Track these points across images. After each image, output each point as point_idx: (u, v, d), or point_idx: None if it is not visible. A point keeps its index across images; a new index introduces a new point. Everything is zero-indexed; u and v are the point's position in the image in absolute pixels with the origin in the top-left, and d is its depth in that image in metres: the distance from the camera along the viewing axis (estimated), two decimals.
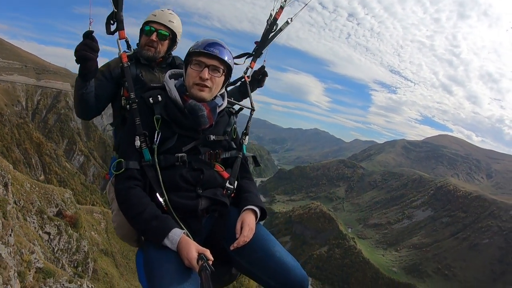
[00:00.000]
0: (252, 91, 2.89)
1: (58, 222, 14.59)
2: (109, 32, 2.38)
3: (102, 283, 19.82)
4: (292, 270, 1.94)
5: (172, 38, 2.74)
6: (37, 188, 16.59)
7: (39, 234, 13.16)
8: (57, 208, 17.64)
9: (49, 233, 13.71)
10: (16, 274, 7.91)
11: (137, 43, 2.76)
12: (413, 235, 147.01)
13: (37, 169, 66.62)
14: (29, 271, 9.62)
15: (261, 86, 3.05)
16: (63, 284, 10.74)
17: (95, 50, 2.15)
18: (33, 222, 13.03)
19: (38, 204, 14.36)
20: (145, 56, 2.67)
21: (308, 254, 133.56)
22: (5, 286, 7.02)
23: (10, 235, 8.40)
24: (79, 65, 2.19)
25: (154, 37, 2.62)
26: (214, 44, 2.10)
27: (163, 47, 2.70)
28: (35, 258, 10.41)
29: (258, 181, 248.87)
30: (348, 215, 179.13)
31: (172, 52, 2.89)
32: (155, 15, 2.64)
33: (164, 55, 2.78)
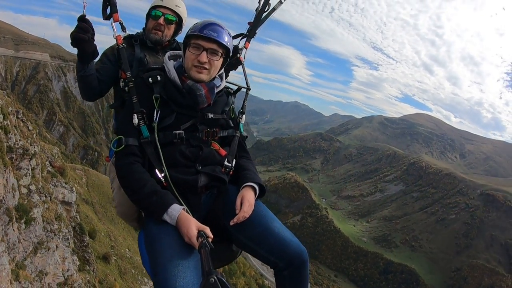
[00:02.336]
0: (227, 72, 2.78)
1: (49, 168, 16.74)
2: (105, 17, 2.35)
3: (84, 223, 22.11)
4: (290, 244, 1.94)
5: (178, 22, 2.77)
6: None
7: None
8: (47, 160, 19.58)
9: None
10: (40, 167, 12.00)
11: (143, 28, 2.78)
12: (384, 208, 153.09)
13: None
14: (45, 170, 14.15)
15: (235, 69, 2.95)
16: (63, 183, 16.53)
17: (88, 31, 2.17)
18: None
19: None
20: (152, 40, 2.70)
21: (281, 222, 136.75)
22: (34, 169, 11.15)
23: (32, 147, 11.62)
24: (76, 48, 2.21)
25: (161, 21, 2.65)
26: (212, 26, 2.05)
27: (169, 31, 2.72)
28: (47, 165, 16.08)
29: None
30: (322, 186, 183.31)
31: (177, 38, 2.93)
32: (162, 0, 2.66)
33: (170, 40, 2.80)
